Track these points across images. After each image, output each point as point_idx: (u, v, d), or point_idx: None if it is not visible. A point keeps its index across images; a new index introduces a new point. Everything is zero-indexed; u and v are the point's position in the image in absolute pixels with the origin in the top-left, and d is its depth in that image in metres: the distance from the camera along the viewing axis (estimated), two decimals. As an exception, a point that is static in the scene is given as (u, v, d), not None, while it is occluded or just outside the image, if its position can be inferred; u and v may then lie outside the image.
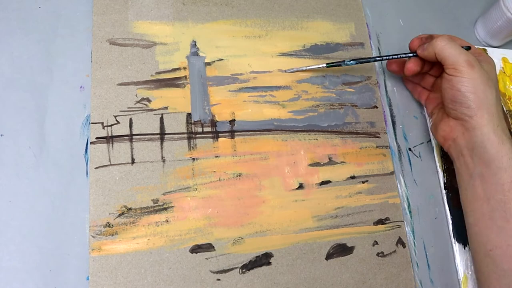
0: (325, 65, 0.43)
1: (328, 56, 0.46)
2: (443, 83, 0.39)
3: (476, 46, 0.52)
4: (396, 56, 0.43)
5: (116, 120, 0.38)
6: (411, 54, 0.42)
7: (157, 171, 0.38)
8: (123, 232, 0.35)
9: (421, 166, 0.46)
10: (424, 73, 0.44)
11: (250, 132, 0.41)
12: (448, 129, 0.40)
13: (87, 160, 0.37)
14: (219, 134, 0.40)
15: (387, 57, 0.43)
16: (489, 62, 0.40)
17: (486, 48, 0.53)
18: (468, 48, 0.41)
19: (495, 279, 0.35)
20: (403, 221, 0.43)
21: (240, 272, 0.37)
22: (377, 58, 0.44)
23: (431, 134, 0.46)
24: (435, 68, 0.43)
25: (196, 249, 0.36)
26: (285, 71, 0.44)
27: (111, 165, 0.37)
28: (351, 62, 0.43)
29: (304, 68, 0.44)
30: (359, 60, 0.43)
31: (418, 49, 0.41)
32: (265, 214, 0.39)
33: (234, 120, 0.41)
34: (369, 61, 0.44)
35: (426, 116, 0.47)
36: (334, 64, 0.43)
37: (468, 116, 0.37)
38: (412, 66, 0.42)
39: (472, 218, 0.38)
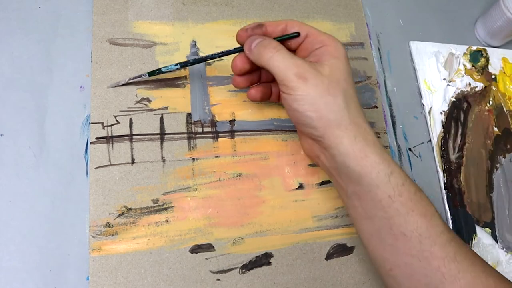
0: (146, 74, 0.38)
1: (328, 56, 0.46)
2: (282, 102, 0.33)
3: (475, 47, 0.52)
4: (219, 55, 0.36)
5: (116, 120, 0.38)
6: (239, 49, 0.35)
7: (157, 171, 0.38)
8: (123, 232, 0.35)
9: (421, 166, 0.46)
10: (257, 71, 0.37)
11: (250, 132, 0.41)
12: (309, 147, 0.35)
13: (87, 160, 0.37)
14: (219, 134, 0.40)
15: (213, 56, 0.36)
16: (330, 53, 0.32)
17: (486, 48, 0.53)
18: (297, 34, 0.34)
19: None
20: (403, 221, 0.43)
21: (240, 272, 0.37)
22: (197, 59, 0.37)
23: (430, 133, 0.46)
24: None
25: (196, 249, 0.36)
26: (108, 87, 0.38)
27: (111, 165, 0.37)
28: (171, 66, 0.37)
29: (124, 82, 0.39)
30: (181, 63, 0.37)
31: (244, 46, 0.34)
32: (265, 214, 0.39)
33: (234, 120, 0.41)
34: (188, 64, 0.37)
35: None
36: (155, 72, 0.37)
37: (318, 136, 0.32)
38: (239, 62, 0.35)
39: (363, 238, 0.33)
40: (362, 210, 0.32)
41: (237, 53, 0.36)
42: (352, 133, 0.31)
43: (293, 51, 0.35)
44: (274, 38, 0.34)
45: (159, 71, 0.38)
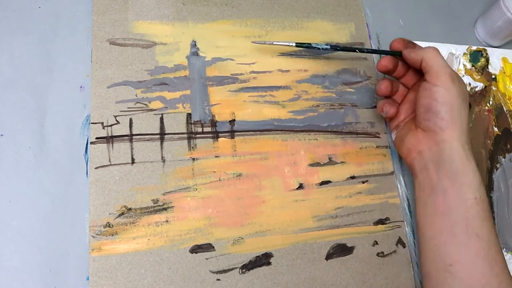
0: (294, 43, 0.41)
1: (329, 56, 0.46)
2: (421, 91, 0.38)
3: (475, 47, 0.52)
4: (379, 52, 0.42)
5: (116, 120, 0.38)
6: (396, 53, 0.42)
7: (157, 171, 0.38)
8: (123, 232, 0.35)
9: (421, 166, 0.46)
10: (395, 78, 0.43)
11: (250, 132, 0.41)
12: (415, 141, 0.39)
13: (87, 160, 0.37)
14: (219, 134, 0.40)
15: (369, 51, 0.42)
16: (463, 83, 0.39)
17: (486, 48, 0.53)
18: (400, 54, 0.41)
19: None
20: (403, 221, 0.43)
21: (240, 272, 0.37)
22: (357, 50, 0.42)
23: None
24: (408, 76, 0.42)
25: (196, 249, 0.36)
26: (253, 42, 0.43)
27: (111, 165, 0.37)
28: (322, 45, 0.41)
29: (270, 43, 0.42)
30: (334, 46, 0.42)
31: (405, 50, 0.40)
32: (265, 214, 0.39)
33: (234, 120, 0.41)
34: (344, 50, 0.42)
35: (388, 131, 0.45)
36: (304, 45, 0.41)
37: (441, 128, 0.37)
38: (385, 62, 0.41)
39: (431, 232, 0.37)
40: (444, 206, 0.36)
41: (381, 56, 0.42)
42: (466, 137, 0.37)
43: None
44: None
45: (308, 45, 0.41)
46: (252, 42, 0.43)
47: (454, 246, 0.35)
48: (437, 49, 0.38)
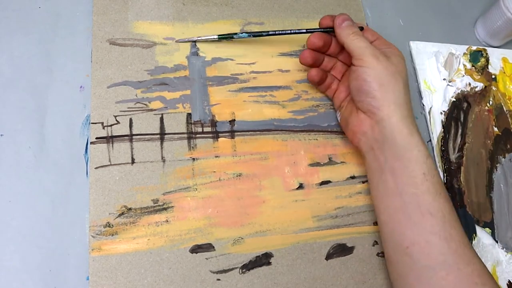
0: (216, 36, 0.42)
1: (328, 56, 0.46)
2: (350, 74, 0.38)
3: (475, 47, 0.52)
4: (304, 30, 0.41)
5: (116, 120, 0.38)
6: (328, 30, 0.41)
7: (157, 171, 0.38)
8: (123, 232, 0.35)
9: (421, 166, 0.46)
10: (329, 55, 0.43)
11: (250, 132, 0.41)
12: (358, 123, 0.38)
13: (87, 160, 0.37)
14: (219, 134, 0.40)
15: (291, 32, 0.41)
16: (397, 55, 0.39)
17: (486, 48, 0.53)
18: (361, 28, 0.40)
19: (414, 277, 0.33)
20: (403, 221, 0.43)
21: (240, 272, 0.37)
22: (277, 32, 0.41)
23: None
24: (346, 53, 0.41)
25: (196, 249, 0.36)
26: (176, 41, 0.42)
27: (111, 165, 0.37)
28: (243, 34, 0.41)
29: (195, 39, 0.42)
30: (253, 33, 0.42)
31: (336, 20, 0.39)
32: (265, 214, 0.39)
33: (234, 120, 0.41)
34: (262, 35, 0.42)
35: (336, 110, 0.44)
36: (226, 36, 0.42)
37: (375, 107, 0.36)
38: (314, 39, 0.40)
39: (385, 215, 0.36)
40: (394, 185, 0.35)
41: (316, 32, 0.41)
42: (404, 112, 0.36)
43: None
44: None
45: (230, 37, 0.42)
46: (176, 41, 0.42)
47: (408, 228, 0.34)
48: (357, 30, 0.38)
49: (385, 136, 0.36)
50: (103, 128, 0.37)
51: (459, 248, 0.32)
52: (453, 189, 0.45)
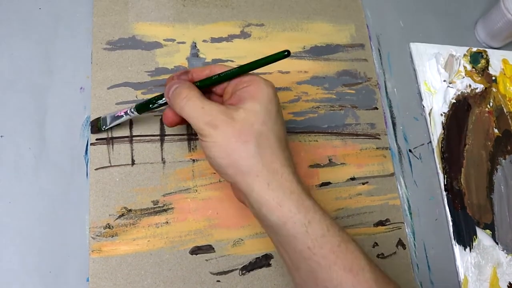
0: (135, 112, 0.35)
1: (328, 58, 0.46)
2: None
3: (476, 48, 0.52)
4: (155, 104, 0.33)
5: (116, 122, 0.38)
6: (163, 101, 0.33)
7: (157, 172, 0.38)
8: (123, 234, 0.35)
9: (421, 168, 0.46)
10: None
11: (250, 134, 0.41)
12: (236, 193, 0.34)
13: (87, 162, 0.37)
14: (219, 136, 0.40)
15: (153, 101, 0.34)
16: (254, 93, 0.31)
17: (486, 49, 0.53)
18: (288, 53, 0.31)
19: None
20: (403, 223, 0.43)
21: (240, 274, 0.37)
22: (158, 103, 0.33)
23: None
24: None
25: (196, 250, 0.36)
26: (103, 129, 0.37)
27: (111, 166, 0.37)
28: (160, 101, 0.33)
29: (115, 123, 0.36)
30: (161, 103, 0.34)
31: (165, 94, 0.32)
32: (265, 216, 0.39)
33: (234, 121, 0.41)
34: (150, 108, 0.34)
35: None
36: (143, 106, 0.34)
37: (233, 182, 0.30)
38: (169, 114, 0.33)
39: None
40: (289, 261, 0.30)
41: (165, 111, 0.33)
42: (264, 180, 0.29)
43: (220, 95, 0.34)
44: (200, 81, 0.33)
45: (146, 107, 0.34)
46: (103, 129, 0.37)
47: None
48: (189, 93, 0.31)
49: (258, 212, 0.30)
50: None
51: None
52: (453, 191, 0.45)
